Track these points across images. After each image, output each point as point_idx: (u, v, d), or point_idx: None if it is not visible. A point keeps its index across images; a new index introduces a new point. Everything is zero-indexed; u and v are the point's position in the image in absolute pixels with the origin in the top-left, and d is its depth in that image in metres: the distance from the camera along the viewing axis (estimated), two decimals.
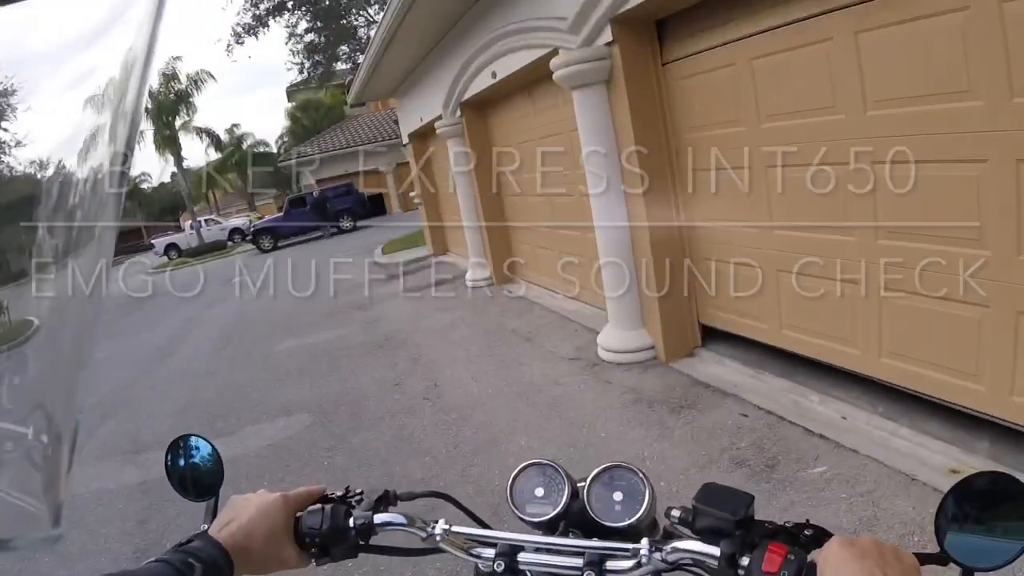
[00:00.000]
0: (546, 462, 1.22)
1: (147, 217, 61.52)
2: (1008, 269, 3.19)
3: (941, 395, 3.72)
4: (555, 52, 5.88)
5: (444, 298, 10.55)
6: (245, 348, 10.09)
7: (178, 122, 34.36)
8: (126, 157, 0.71)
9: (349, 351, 8.38)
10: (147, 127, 33.33)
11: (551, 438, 4.76)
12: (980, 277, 3.33)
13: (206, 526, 1.08)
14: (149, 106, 32.51)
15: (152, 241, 40.34)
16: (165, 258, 35.46)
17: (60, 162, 0.74)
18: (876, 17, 3.50)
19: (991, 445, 3.46)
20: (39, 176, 0.74)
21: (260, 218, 37.65)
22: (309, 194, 29.70)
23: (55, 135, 0.74)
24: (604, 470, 1.16)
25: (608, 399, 5.21)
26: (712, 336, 5.72)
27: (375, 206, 31.52)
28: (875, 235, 3.86)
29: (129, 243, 58.16)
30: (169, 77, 33.05)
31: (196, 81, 33.57)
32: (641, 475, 1.14)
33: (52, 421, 0.73)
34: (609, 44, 5.27)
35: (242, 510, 1.07)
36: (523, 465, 1.23)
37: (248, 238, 30.80)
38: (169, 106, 33.15)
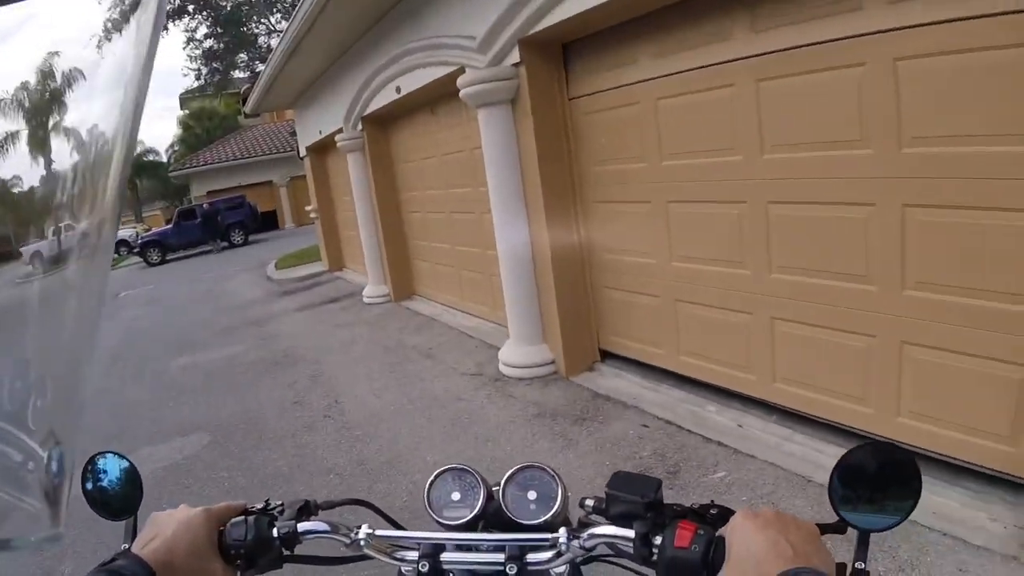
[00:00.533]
0: (460, 466, 1.24)
1: (18, 225, 59.33)
2: (892, 303, 3.43)
3: (832, 417, 3.94)
4: (462, 70, 5.95)
5: (342, 315, 10.39)
6: (136, 366, 9.65)
7: (50, 123, 32.94)
8: (127, 157, 0.73)
9: (246, 368, 8.17)
10: (22, 127, 31.97)
11: (457, 452, 4.77)
12: (867, 310, 3.56)
13: (127, 545, 1.06)
14: (26, 104, 31.37)
15: (21, 251, 38.69)
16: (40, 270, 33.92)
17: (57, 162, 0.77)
18: (777, 68, 3.72)
19: None
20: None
21: (147, 230, 36.35)
22: (199, 206, 28.74)
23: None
24: (517, 471, 1.19)
25: (511, 413, 5.27)
26: (611, 353, 5.86)
27: (267, 221, 30.86)
28: (769, 269, 4.07)
29: None
30: (46, 75, 31.73)
31: (70, 80, 32.27)
32: (552, 473, 1.18)
33: (56, 421, 0.74)
34: (516, 65, 5.36)
35: (164, 526, 1.05)
36: (439, 471, 1.25)
37: (135, 251, 29.56)
38: (43, 105, 31.78)
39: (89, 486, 1.21)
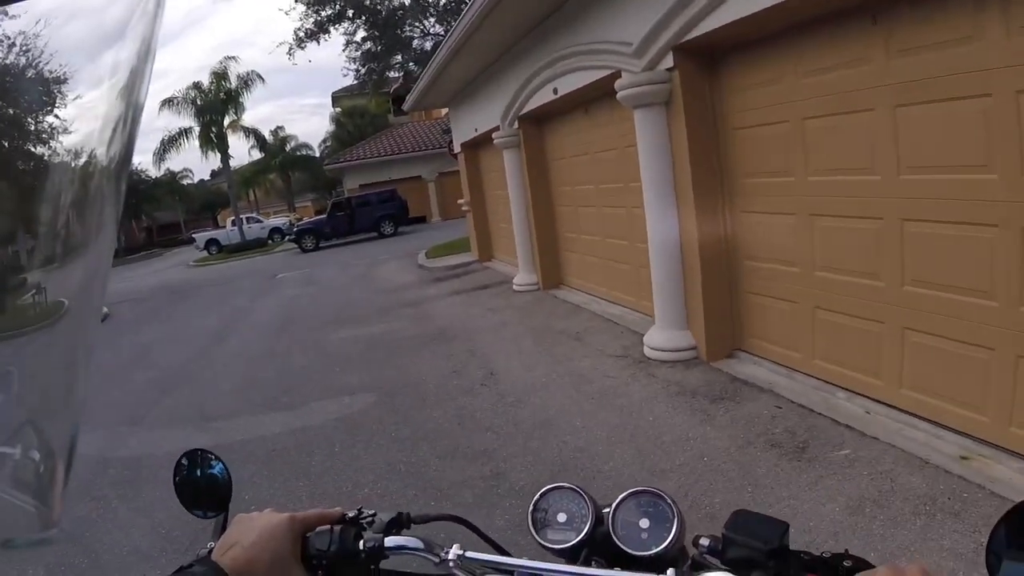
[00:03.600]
0: (569, 486, 1.15)
1: (187, 212, 62.96)
2: (1012, 319, 3.67)
3: (953, 424, 4.15)
4: (618, 74, 6.42)
5: (492, 300, 11.03)
6: (300, 336, 10.65)
7: (226, 121, 34.84)
8: (129, 150, 0.72)
9: (404, 342, 8.92)
10: (194, 124, 33.94)
11: (603, 420, 5.26)
12: (989, 324, 3.80)
13: (212, 543, 1.07)
14: (198, 102, 33.26)
15: (192, 235, 41.50)
16: (205, 252, 36.72)
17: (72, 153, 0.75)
18: (913, 95, 4.01)
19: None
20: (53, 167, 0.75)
21: (300, 219, 38.53)
22: (351, 198, 30.57)
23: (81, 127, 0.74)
24: (630, 495, 1.10)
25: (654, 390, 5.72)
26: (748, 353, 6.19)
27: (416, 214, 32.09)
28: (901, 282, 4.34)
29: (167, 236, 59.92)
30: (220, 76, 33.40)
31: (246, 81, 33.78)
32: (669, 501, 1.07)
33: (50, 420, 0.76)
34: (670, 70, 5.78)
35: (247, 531, 1.03)
36: (545, 488, 1.16)
37: (290, 238, 31.64)
38: (218, 105, 33.64)
39: (181, 482, 1.28)
